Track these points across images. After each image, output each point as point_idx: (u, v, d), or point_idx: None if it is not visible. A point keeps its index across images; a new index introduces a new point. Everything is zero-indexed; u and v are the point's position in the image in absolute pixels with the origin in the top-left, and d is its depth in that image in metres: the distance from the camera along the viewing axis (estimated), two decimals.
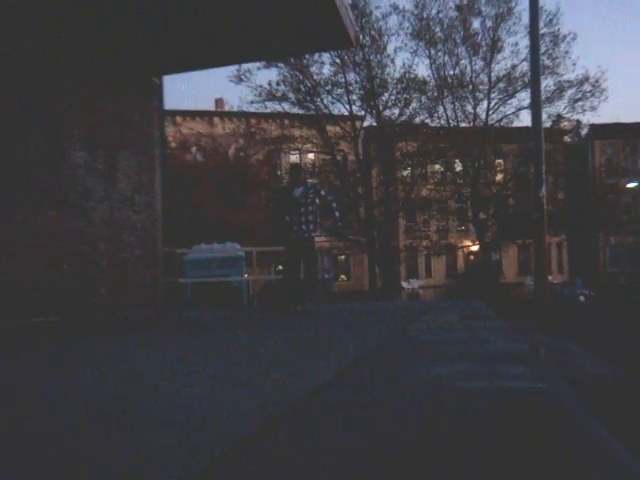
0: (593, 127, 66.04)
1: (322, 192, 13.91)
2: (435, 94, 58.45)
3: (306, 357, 6.28)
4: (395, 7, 56.03)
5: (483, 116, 58.63)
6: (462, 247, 70.12)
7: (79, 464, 3.06)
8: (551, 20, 53.74)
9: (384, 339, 7.74)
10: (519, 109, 57.00)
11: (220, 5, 14.62)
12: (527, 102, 31.56)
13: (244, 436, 3.00)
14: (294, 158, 62.88)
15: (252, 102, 55.15)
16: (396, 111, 58.35)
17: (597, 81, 57.62)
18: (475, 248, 65.63)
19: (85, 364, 7.13)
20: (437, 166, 61.64)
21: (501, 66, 58.15)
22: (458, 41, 58.08)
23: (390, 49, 58.16)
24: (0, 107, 13.60)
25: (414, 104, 58.21)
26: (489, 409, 3.31)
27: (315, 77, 56.46)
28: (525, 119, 51.33)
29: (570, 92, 57.71)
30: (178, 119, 53.76)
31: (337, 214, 14.07)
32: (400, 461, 2.63)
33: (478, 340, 7.44)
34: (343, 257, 66.75)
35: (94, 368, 6.66)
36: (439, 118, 58.76)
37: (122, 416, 4.02)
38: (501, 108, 58.63)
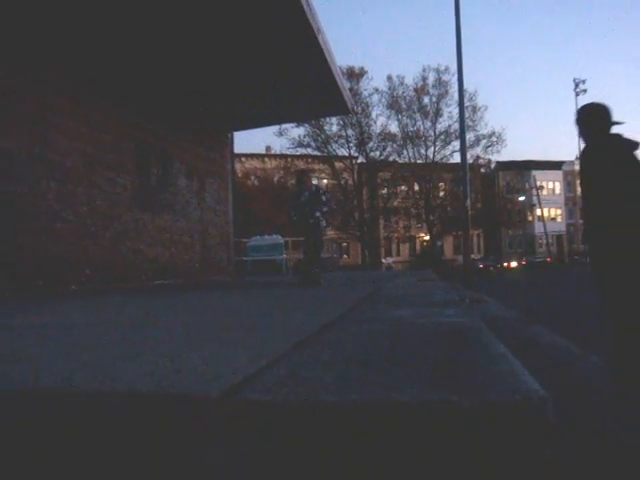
0: (498, 163, 67.48)
1: (323, 197, 12.13)
2: (401, 143, 58.86)
3: (320, 305, 6.20)
4: (376, 89, 57.56)
5: (431, 156, 59.04)
6: (419, 237, 70.41)
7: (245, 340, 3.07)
8: (471, 97, 54.35)
9: (369, 293, 7.82)
10: (453, 152, 57.45)
11: (269, 92, 14.82)
12: (457, 147, 31.83)
13: (302, 338, 3.11)
14: (315, 183, 62.51)
15: (288, 148, 55.74)
16: (377, 153, 58.92)
17: (499, 135, 58.34)
18: (427, 238, 65.96)
19: (200, 300, 7.22)
20: (403, 187, 62.10)
21: (442, 125, 58.42)
22: (415, 110, 58.57)
23: (373, 115, 58.46)
24: (139, 155, 13.89)
25: (388, 149, 58.88)
26: (431, 327, 3.56)
27: (327, 132, 57.02)
28: (456, 158, 51.87)
29: (483, 141, 58.21)
30: (242, 158, 53.78)
31: (319, 214, 11.88)
32: (379, 343, 2.85)
33: (427, 294, 7.52)
34: (345, 244, 66.89)
35: (206, 301, 6.73)
36: (404, 157, 59.28)
37: (232, 323, 4.03)
38: (442, 151, 59.01)
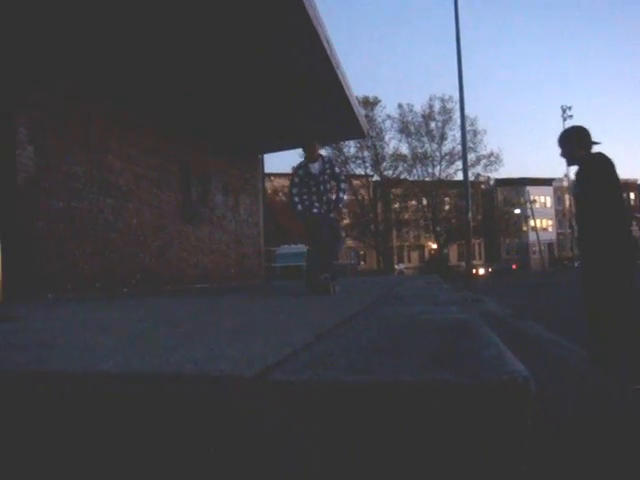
0: (496, 179, 67.26)
1: (336, 169, 8.82)
2: (411, 163, 58.93)
3: (338, 304, 6.18)
4: (388, 116, 57.92)
5: (438, 174, 59.00)
6: (427, 246, 70.24)
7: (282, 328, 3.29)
8: (472, 123, 54.49)
9: (381, 295, 7.85)
10: (456, 170, 57.46)
11: (294, 119, 14.91)
12: (461, 167, 31.82)
13: (323, 330, 3.07)
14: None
15: None
16: (390, 172, 59.03)
17: (497, 155, 58.46)
18: (434, 246, 65.70)
19: (235, 300, 7.25)
20: (413, 202, 61.94)
21: (446, 147, 58.46)
22: (423, 134, 58.69)
23: (386, 138, 58.88)
24: (182, 174, 14.03)
25: (400, 168, 59.00)
26: (437, 322, 3.61)
27: (345, 153, 57.25)
28: (460, 175, 51.60)
29: (483, 161, 58.24)
30: (272, 177, 54.05)
31: (341, 195, 8.74)
32: (389, 334, 2.89)
33: (433, 295, 7.54)
34: (362, 252, 66.87)
35: (240, 302, 6.75)
36: (414, 175, 59.27)
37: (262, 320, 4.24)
38: (447, 170, 58.93)
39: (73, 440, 1.90)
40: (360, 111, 17.00)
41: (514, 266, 66.11)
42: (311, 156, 8.64)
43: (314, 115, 14.73)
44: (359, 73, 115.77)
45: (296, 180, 8.54)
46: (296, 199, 8.47)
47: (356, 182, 59.03)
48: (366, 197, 60.05)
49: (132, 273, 11.93)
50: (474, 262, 39.89)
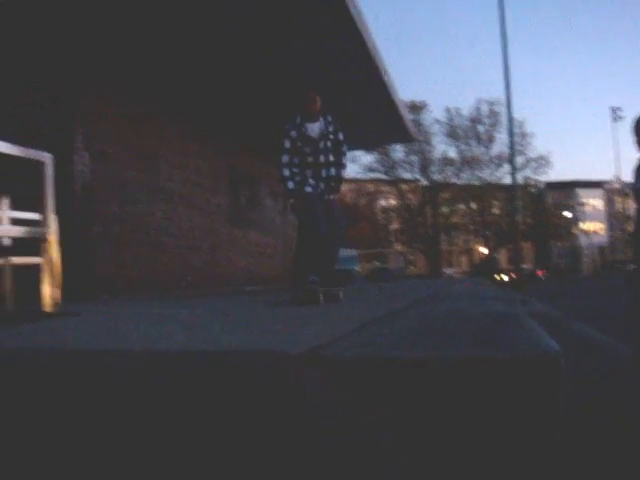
0: (546, 183, 66.19)
1: (340, 134, 6.69)
2: (459, 166, 58.42)
3: (388, 300, 6.27)
4: (436, 120, 57.25)
5: (486, 177, 58.40)
6: (476, 250, 69.75)
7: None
8: (520, 125, 53.72)
9: (428, 294, 7.92)
10: (505, 174, 56.80)
11: (342, 124, 15.06)
12: (509, 170, 31.63)
13: (370, 320, 3.22)
14: (383, 203, 62.87)
15: (359, 173, 55.99)
16: (438, 175, 58.62)
17: (546, 158, 57.80)
18: (484, 250, 65.22)
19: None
20: (462, 206, 61.43)
21: (494, 150, 57.74)
22: (470, 137, 58.11)
23: (434, 142, 58.23)
24: (231, 179, 14.31)
25: (448, 172, 58.46)
26: (480, 313, 3.72)
27: (393, 158, 57.15)
28: (509, 179, 50.98)
29: (532, 164, 57.53)
30: None
31: (342, 170, 6.63)
32: (434, 322, 3.00)
33: (481, 294, 7.62)
34: (411, 256, 66.75)
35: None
36: (462, 179, 58.76)
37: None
38: (495, 173, 58.19)
39: (142, 409, 2.09)
40: (407, 115, 17.12)
41: (540, 272, 61.31)
42: (309, 112, 6.46)
43: (361, 120, 14.90)
44: (406, 77, 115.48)
45: (287, 145, 6.41)
46: (286, 172, 6.37)
47: (404, 186, 58.90)
48: (414, 201, 59.85)
49: (183, 275, 12.22)
50: (524, 266, 39.60)
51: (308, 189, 6.30)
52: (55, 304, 5.37)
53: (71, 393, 2.01)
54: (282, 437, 1.64)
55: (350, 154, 23.38)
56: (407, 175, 58.82)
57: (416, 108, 55.14)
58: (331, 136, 6.49)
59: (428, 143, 57.62)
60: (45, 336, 3.33)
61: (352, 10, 9.80)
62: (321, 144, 6.38)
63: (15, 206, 6.22)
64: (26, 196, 5.70)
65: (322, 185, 6.40)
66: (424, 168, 58.29)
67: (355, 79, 12.17)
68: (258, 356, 2.20)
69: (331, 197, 6.51)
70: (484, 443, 1.88)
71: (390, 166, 57.01)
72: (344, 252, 30.40)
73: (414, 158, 58.08)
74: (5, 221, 6.00)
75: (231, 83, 12.04)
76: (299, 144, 6.36)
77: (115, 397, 1.93)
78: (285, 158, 6.39)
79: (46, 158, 5.52)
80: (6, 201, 6.19)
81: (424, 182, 60.09)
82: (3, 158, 5.12)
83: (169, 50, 10.44)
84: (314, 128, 6.41)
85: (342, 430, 1.72)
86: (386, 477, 1.51)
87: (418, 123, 53.66)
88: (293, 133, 6.41)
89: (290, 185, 6.33)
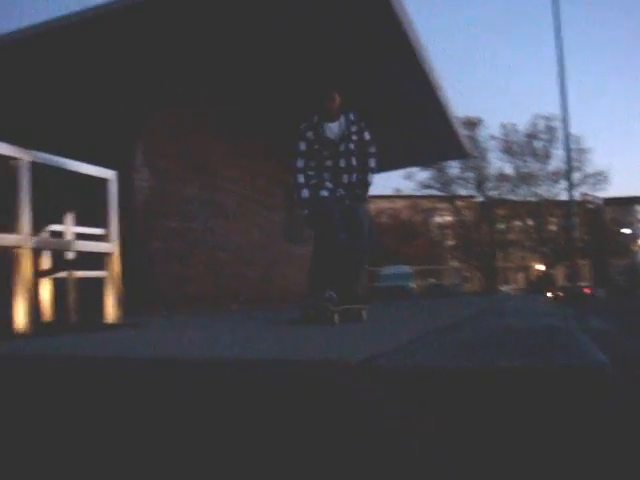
0: (605, 199, 65.12)
1: (367, 134, 5.88)
2: (515, 182, 57.88)
3: (443, 315, 6.25)
4: (492, 136, 56.87)
5: (542, 194, 57.76)
6: (533, 267, 68.85)
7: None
8: (577, 141, 53.00)
9: (483, 309, 7.88)
10: (562, 190, 56.04)
11: (397, 141, 15.15)
12: (566, 186, 31.20)
13: (425, 333, 3.30)
14: (438, 219, 62.63)
15: (414, 189, 56.01)
16: (494, 192, 58.17)
17: (604, 174, 57.00)
18: (540, 267, 64.37)
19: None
20: (518, 222, 60.84)
21: (550, 166, 57.09)
22: (527, 153, 57.58)
23: (490, 158, 57.82)
24: (287, 196, 14.47)
25: (504, 188, 58.02)
26: (532, 328, 3.72)
27: (449, 174, 56.90)
28: (565, 195, 50.08)
29: (590, 180, 56.81)
30: (375, 199, 54.30)
31: (370, 177, 5.83)
32: (487, 335, 3.02)
33: (536, 310, 7.56)
34: (467, 273, 66.29)
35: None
36: (518, 195, 58.18)
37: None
38: (552, 189, 57.50)
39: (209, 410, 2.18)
40: (462, 132, 17.10)
41: (587, 290, 55.87)
42: (328, 111, 5.72)
43: (416, 136, 14.97)
44: (461, 93, 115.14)
45: (302, 147, 5.68)
46: (301, 178, 5.60)
47: (460, 203, 58.66)
48: (470, 218, 59.51)
49: (239, 291, 12.39)
50: (581, 284, 39.01)
51: (324, 193, 5.52)
52: (116, 317, 5.55)
53: (134, 398, 2.11)
54: (340, 441, 1.70)
55: (406, 171, 22.47)
56: (463, 191, 58.64)
57: (471, 124, 54.88)
58: (354, 137, 5.69)
59: (484, 159, 57.30)
60: (107, 345, 3.47)
61: (407, 30, 9.94)
62: (342, 146, 5.61)
63: (79, 221, 6.46)
64: (90, 211, 5.92)
65: (342, 191, 5.64)
66: (480, 184, 57.97)
67: (410, 96, 12.30)
68: (318, 364, 2.28)
69: (355, 205, 5.66)
70: (534, 450, 1.91)
71: (446, 182, 56.89)
72: (397, 269, 30.55)
73: (470, 174, 57.91)
74: (70, 235, 6.24)
75: (288, 102, 12.22)
76: (316, 147, 5.61)
77: (175, 401, 2.03)
78: (300, 163, 5.63)
79: (110, 175, 5.71)
80: (71, 216, 6.43)
81: (480, 198, 59.82)
82: (70, 175, 5.33)
83: (227, 69, 10.70)
84: (333, 128, 5.65)
85: (399, 438, 1.77)
86: None
87: (473, 139, 53.39)
88: (310, 134, 5.67)
89: (304, 194, 5.54)
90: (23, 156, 4.66)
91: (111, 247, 5.62)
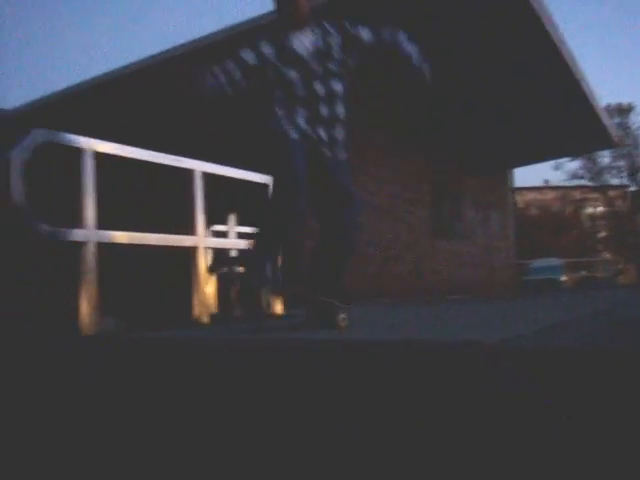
0: None
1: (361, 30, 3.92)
2: None
3: (580, 306, 6.00)
4: None
5: None
6: None
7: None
8: None
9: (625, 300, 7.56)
10: None
11: (542, 133, 15.04)
12: None
13: (552, 324, 3.34)
14: (590, 210, 60.14)
15: (564, 180, 54.10)
16: None
17: None
18: None
19: (487, 306, 7.39)
20: None
21: None
22: None
23: None
24: (434, 192, 14.73)
25: None
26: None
27: (599, 164, 54.33)
28: None
29: None
30: (523, 191, 52.85)
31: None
32: (621, 325, 3.18)
33: None
34: (621, 266, 63.15)
35: (496, 305, 6.90)
36: None
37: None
38: None
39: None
40: (609, 121, 16.68)
41: None
42: (292, 18, 3.90)
43: (561, 127, 14.83)
44: (612, 78, 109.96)
45: (250, 60, 3.91)
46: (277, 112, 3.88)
47: (612, 193, 56.04)
48: (623, 208, 56.68)
49: (388, 286, 12.76)
50: None
51: (293, 135, 3.84)
52: (278, 308, 6.11)
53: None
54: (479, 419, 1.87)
55: (554, 161, 21.41)
56: (615, 181, 55.92)
57: (623, 111, 52.32)
58: (336, 55, 3.93)
59: (637, 147, 54.38)
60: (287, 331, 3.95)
61: (547, 24, 10.00)
62: (313, 64, 3.87)
63: (240, 222, 7.09)
64: (248, 213, 6.50)
65: (322, 130, 3.96)
66: (633, 173, 55.09)
67: (550, 86, 12.32)
68: (458, 345, 2.61)
69: (338, 156, 4.13)
70: None
71: (596, 172, 54.49)
72: (547, 261, 29.83)
73: (622, 163, 55.14)
74: (232, 235, 6.87)
75: (439, 104, 12.56)
76: (279, 66, 3.86)
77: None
78: (273, 118, 3.91)
79: (268, 180, 6.25)
80: (233, 218, 7.07)
81: (633, 187, 56.81)
82: (232, 182, 5.91)
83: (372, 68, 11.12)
84: (301, 43, 3.87)
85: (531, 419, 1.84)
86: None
87: (625, 126, 50.81)
88: (266, 49, 3.89)
89: (275, 126, 3.87)
90: (197, 167, 5.29)
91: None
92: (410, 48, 3.99)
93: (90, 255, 4.28)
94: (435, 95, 12.44)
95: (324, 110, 3.93)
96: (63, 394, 2.58)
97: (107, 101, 11.46)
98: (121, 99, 11.24)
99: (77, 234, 4.27)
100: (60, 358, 3.34)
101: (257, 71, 3.91)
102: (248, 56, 3.89)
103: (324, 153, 3.97)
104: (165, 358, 3.09)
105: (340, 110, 4.04)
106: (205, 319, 5.24)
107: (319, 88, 3.88)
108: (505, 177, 19.29)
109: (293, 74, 3.82)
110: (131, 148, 4.83)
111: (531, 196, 56.59)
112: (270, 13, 4.24)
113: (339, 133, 4.07)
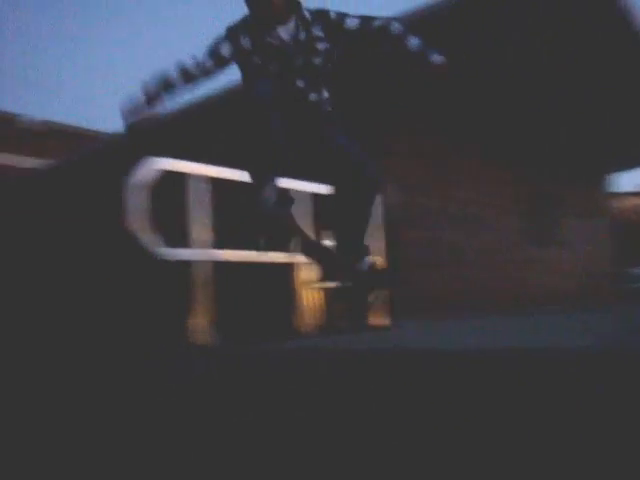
0: None
1: (348, 19, 3.29)
2: None
3: None
4: None
5: None
6: None
7: None
8: None
9: None
10: None
11: (637, 138, 14.85)
12: None
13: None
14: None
15: None
16: None
17: None
18: None
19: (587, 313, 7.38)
20: None
21: None
22: None
23: None
24: (529, 200, 14.69)
25: None
26: None
27: None
28: None
29: None
30: (622, 197, 50.69)
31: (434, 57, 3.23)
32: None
33: None
34: None
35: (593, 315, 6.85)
36: None
37: None
38: None
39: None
40: None
41: None
42: (271, 13, 3.33)
43: None
44: None
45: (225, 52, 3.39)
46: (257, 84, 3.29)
47: None
48: None
49: (482, 295, 12.73)
50: None
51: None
52: (384, 320, 6.36)
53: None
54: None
55: None
56: None
57: None
58: (319, 45, 3.41)
59: None
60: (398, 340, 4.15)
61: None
62: (296, 57, 3.39)
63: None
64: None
65: (300, 82, 3.45)
66: None
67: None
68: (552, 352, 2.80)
69: (327, 108, 3.60)
70: None
71: None
72: None
73: None
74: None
75: (529, 114, 12.63)
76: (256, 59, 3.39)
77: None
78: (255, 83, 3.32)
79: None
80: (327, 232, 7.35)
81: None
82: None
83: (463, 83, 11.28)
84: (284, 32, 3.39)
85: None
86: None
87: None
88: (245, 42, 3.39)
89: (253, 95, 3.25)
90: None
91: (378, 258, 6.34)
92: (411, 39, 3.45)
93: (203, 272, 4.67)
94: (531, 103, 12.54)
95: (312, 97, 3.50)
96: (187, 405, 2.79)
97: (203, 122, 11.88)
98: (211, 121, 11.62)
99: (188, 253, 4.67)
100: (183, 370, 3.64)
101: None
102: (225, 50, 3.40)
103: (309, 98, 3.47)
104: (285, 369, 3.33)
105: (323, 78, 3.52)
106: (310, 330, 5.55)
107: (299, 83, 3.44)
108: (601, 182, 18.93)
109: (272, 66, 3.37)
110: (231, 170, 5.19)
111: (629, 202, 54.62)
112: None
113: (324, 92, 3.56)
